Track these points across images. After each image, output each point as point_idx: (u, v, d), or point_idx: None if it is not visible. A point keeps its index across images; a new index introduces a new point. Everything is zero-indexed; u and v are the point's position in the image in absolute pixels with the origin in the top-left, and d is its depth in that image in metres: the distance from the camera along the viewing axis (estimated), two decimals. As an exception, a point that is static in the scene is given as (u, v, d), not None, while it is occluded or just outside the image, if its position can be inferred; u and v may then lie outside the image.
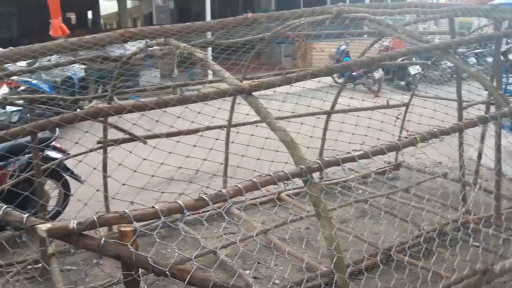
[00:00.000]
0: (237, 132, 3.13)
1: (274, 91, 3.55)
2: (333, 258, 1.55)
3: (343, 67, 1.81)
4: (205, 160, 2.38)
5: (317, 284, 3.18)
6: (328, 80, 9.78)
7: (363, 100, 4.84)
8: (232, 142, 3.17)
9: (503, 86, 6.53)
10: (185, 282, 1.23)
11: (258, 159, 2.36)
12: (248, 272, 3.46)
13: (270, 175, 1.42)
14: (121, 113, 2.08)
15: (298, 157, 1.55)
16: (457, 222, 4.13)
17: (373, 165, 5.80)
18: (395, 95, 7.46)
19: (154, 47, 2.86)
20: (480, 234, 3.98)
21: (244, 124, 4.06)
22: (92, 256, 3.51)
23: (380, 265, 3.33)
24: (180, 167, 2.54)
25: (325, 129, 4.96)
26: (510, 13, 2.90)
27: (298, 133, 2.64)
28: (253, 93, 1.79)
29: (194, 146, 2.42)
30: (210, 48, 8.96)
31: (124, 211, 1.21)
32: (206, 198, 1.28)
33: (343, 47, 11.31)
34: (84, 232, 1.16)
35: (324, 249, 3.78)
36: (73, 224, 1.12)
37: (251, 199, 4.66)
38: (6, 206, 1.19)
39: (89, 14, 26.75)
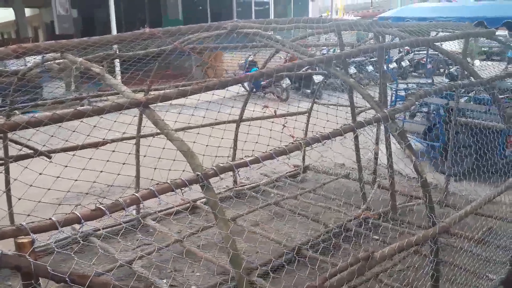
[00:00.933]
0: (149, 146, 3.12)
1: (186, 99, 3.63)
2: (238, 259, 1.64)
3: (234, 80, 1.92)
4: (118, 174, 2.36)
5: (231, 286, 3.29)
6: (239, 89, 10.01)
7: (277, 108, 5.06)
8: (145, 156, 3.14)
9: (394, 92, 7.24)
10: (85, 287, 1.24)
11: (169, 169, 2.40)
12: (164, 281, 3.45)
13: (168, 183, 1.48)
14: (15, 130, 1.96)
15: (195, 165, 1.63)
16: (359, 218, 4.47)
17: (284, 169, 6.09)
18: (302, 103, 7.89)
19: (51, 62, 2.77)
20: (379, 228, 4.40)
21: (150, 135, 4.04)
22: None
23: (285, 264, 3.52)
24: (93, 182, 2.48)
25: (236, 137, 5.10)
26: (387, 27, 3.26)
27: (204, 145, 2.74)
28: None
29: (107, 160, 2.38)
30: (117, 61, 8.75)
31: (20, 224, 1.19)
32: (103, 208, 1.30)
33: (250, 58, 11.66)
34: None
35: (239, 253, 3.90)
36: None
37: (166, 209, 4.66)
38: None
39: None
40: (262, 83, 11.79)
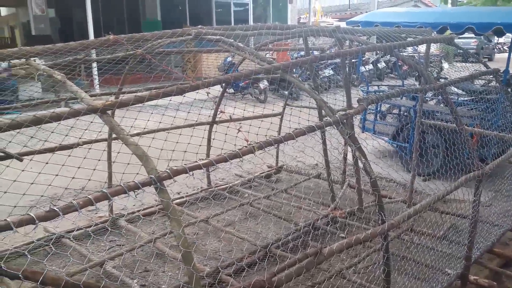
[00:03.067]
0: (117, 153, 3.19)
1: (170, 100, 3.75)
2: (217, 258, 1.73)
3: (191, 87, 2.01)
4: (89, 180, 2.44)
5: (203, 284, 3.37)
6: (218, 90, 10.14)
7: (232, 114, 5.16)
8: (114, 162, 3.21)
9: (364, 94, 7.43)
10: (38, 283, 1.33)
11: (137, 173, 2.48)
12: (135, 281, 3.52)
13: (121, 186, 1.56)
14: None
15: (149, 168, 1.72)
16: (327, 217, 4.61)
17: (259, 170, 6.22)
18: (278, 104, 8.01)
19: (17, 68, 2.82)
20: (346, 226, 4.55)
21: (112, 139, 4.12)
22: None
23: (258, 261, 3.64)
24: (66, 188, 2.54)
25: (209, 139, 5.19)
26: (350, 33, 3.40)
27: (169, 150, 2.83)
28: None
29: (78, 167, 2.44)
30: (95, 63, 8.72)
31: None
32: (57, 209, 1.39)
33: (229, 59, 11.78)
34: None
35: (211, 252, 4.01)
36: None
37: (139, 210, 4.73)
38: None
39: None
40: (241, 84, 11.95)
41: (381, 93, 7.21)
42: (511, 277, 3.73)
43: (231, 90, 12.38)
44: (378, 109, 7.30)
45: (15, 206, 1.92)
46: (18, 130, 2.08)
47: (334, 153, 5.40)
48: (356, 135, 2.31)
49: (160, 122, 3.28)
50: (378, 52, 17.45)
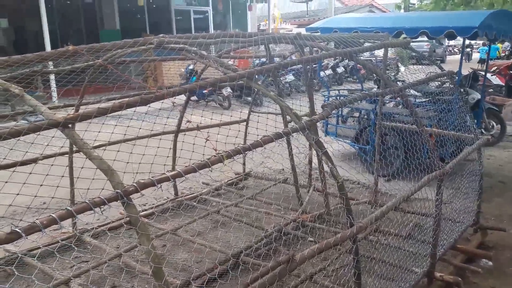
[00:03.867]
0: (80, 168, 3.08)
1: (135, 111, 3.67)
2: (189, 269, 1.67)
3: (156, 97, 1.96)
4: (52, 197, 2.32)
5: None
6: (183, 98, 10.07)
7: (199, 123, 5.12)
8: (78, 178, 3.10)
9: (326, 99, 7.55)
10: None
11: (102, 189, 2.39)
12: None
13: (86, 202, 1.50)
14: None
15: (115, 182, 1.66)
16: (295, 221, 4.62)
17: (225, 178, 6.17)
18: (243, 111, 8.01)
19: None
20: (315, 230, 4.58)
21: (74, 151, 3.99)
22: None
23: (230, 271, 3.59)
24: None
25: (175, 148, 5.10)
26: (310, 40, 3.45)
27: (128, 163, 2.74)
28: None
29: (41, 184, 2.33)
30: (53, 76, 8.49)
31: None
32: (19, 231, 1.31)
33: (191, 66, 11.70)
34: None
35: (180, 264, 3.92)
36: None
37: (104, 225, 4.58)
38: None
39: None
40: (204, 91, 11.88)
41: (342, 97, 7.36)
42: (475, 272, 3.85)
43: (195, 98, 12.29)
44: (340, 113, 7.43)
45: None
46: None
47: (299, 157, 5.43)
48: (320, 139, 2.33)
49: (124, 134, 3.18)
50: (337, 57, 17.93)
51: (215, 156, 1.80)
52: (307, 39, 3.38)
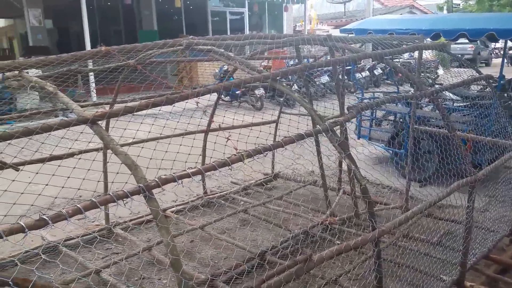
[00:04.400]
0: (107, 162, 3.23)
1: (160, 110, 3.82)
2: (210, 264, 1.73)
3: (181, 97, 2.03)
4: (78, 189, 2.46)
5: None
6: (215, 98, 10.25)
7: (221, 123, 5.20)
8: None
9: (358, 101, 7.47)
10: None
11: (126, 182, 2.49)
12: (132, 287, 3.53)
13: (110, 194, 1.58)
14: None
15: (138, 177, 1.74)
16: (323, 224, 4.61)
17: (255, 177, 6.23)
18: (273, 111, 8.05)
19: (10, 80, 2.86)
20: (343, 233, 4.55)
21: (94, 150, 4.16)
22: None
23: (250, 269, 3.63)
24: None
25: (204, 147, 5.21)
26: (342, 41, 3.44)
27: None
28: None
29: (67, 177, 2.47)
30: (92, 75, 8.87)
31: None
32: (46, 218, 1.40)
33: (225, 67, 11.83)
34: None
35: (206, 259, 4.01)
36: None
37: (135, 219, 4.75)
38: None
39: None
40: (237, 92, 12.00)
41: (374, 100, 7.25)
42: (509, 284, 3.72)
43: (227, 98, 12.42)
44: (373, 115, 7.33)
45: (5, 216, 1.93)
46: (9, 142, 2.11)
47: (329, 160, 5.41)
48: (349, 142, 2.33)
49: (149, 132, 3.30)
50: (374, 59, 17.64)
51: (235, 155, 1.85)
52: (338, 40, 3.38)
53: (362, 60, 16.50)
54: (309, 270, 1.89)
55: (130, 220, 4.71)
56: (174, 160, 3.58)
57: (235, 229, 4.70)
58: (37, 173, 2.33)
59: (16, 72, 2.60)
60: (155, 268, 3.87)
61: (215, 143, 4.87)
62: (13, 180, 2.25)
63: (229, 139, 3.02)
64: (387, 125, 7.78)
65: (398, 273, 3.58)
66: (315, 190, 5.90)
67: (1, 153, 3.99)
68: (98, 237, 4.15)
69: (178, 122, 4.87)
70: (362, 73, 15.93)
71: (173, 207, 5.11)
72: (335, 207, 5.02)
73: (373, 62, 16.98)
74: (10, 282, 1.32)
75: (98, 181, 4.39)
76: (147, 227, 4.65)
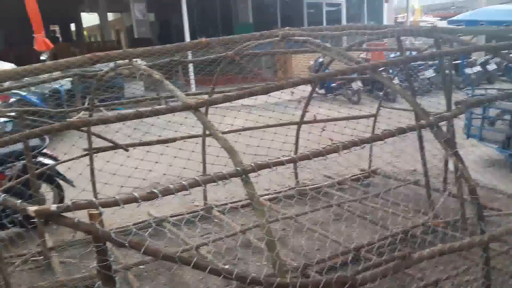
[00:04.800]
0: (208, 146, 3.47)
1: (256, 99, 4.00)
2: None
3: (276, 87, 2.09)
4: (184, 168, 2.65)
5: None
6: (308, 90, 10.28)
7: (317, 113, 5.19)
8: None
9: (468, 97, 6.95)
10: (141, 252, 1.51)
11: (225, 165, 2.63)
12: (226, 266, 3.72)
13: (211, 175, 1.70)
14: (87, 126, 2.25)
15: (236, 161, 1.86)
16: (425, 225, 4.40)
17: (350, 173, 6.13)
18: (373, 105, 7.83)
19: (122, 68, 3.18)
20: (447, 237, 4.30)
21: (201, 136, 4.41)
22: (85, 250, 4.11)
23: (346, 263, 3.60)
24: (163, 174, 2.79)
25: (297, 138, 5.26)
26: (449, 33, 3.23)
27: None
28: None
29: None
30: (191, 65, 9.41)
31: (91, 199, 1.50)
32: (156, 191, 1.55)
33: (320, 59, 11.73)
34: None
35: (298, 248, 4.07)
36: (53, 207, 1.42)
37: (231, 202, 4.99)
38: (4, 194, 1.50)
39: (72, 26, 26.99)
40: (332, 85, 11.85)
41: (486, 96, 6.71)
42: None
43: (322, 91, 12.30)
44: (486, 114, 6.77)
45: (122, 187, 2.16)
46: (124, 123, 2.34)
47: (434, 159, 5.15)
48: (457, 142, 2.21)
49: (246, 120, 3.42)
50: (487, 53, 16.18)
51: (330, 146, 1.86)
52: (445, 32, 3.18)
53: (473, 54, 15.29)
54: (408, 267, 1.85)
55: (227, 203, 5.00)
56: (269, 148, 3.69)
57: (328, 223, 4.67)
58: (148, 151, 2.55)
59: (127, 60, 2.87)
60: (250, 251, 4.04)
61: (309, 133, 4.90)
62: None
63: (324, 130, 3.02)
64: (502, 124, 7.15)
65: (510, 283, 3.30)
66: (417, 190, 5.64)
67: (117, 132, 4.44)
68: (199, 215, 4.43)
69: (273, 111, 5.00)
70: (473, 68, 14.73)
71: (266, 195, 5.25)
72: (438, 209, 4.76)
73: (486, 56, 15.63)
74: (126, 244, 1.48)
75: (201, 162, 4.77)
76: (242, 212, 4.86)
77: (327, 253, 3.87)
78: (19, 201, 1.50)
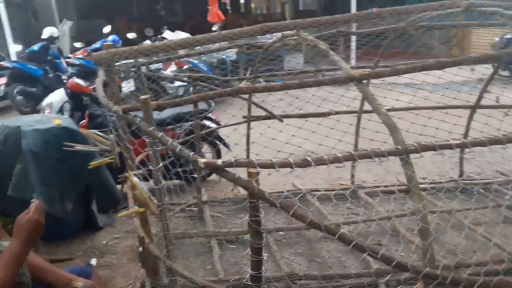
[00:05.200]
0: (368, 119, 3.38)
1: (423, 81, 3.77)
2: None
3: (453, 62, 1.90)
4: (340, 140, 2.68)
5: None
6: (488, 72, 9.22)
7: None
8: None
9: None
10: (290, 214, 1.63)
11: (384, 142, 2.59)
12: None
13: (367, 150, 1.67)
14: (255, 93, 2.42)
15: (397, 139, 1.78)
16: None
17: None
18: None
19: (288, 38, 3.29)
20: None
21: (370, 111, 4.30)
22: (232, 207, 4.74)
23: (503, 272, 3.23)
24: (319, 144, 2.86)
25: (469, 122, 4.79)
26: None
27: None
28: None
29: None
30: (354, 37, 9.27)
31: (251, 159, 1.65)
32: (309, 159, 1.61)
33: (508, 35, 10.26)
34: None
35: (450, 246, 3.80)
36: (219, 161, 1.61)
37: (379, 186, 4.88)
38: (180, 146, 1.75)
39: (241, -1, 28.65)
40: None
41: None
42: None
43: (506, 73, 10.81)
44: None
45: (278, 151, 2.29)
46: (285, 92, 2.45)
47: None
48: None
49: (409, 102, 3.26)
50: None
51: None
52: None
53: None
54: None
55: (374, 187, 4.91)
56: (437, 129, 3.46)
57: (493, 224, 4.22)
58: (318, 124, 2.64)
59: (294, 31, 2.97)
60: (395, 239, 3.93)
61: (488, 116, 4.40)
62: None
63: (507, 115, 2.70)
64: None
65: None
66: None
67: (273, 106, 4.72)
68: (344, 195, 4.45)
69: (442, 94, 4.63)
70: None
71: (423, 183, 4.97)
72: None
73: None
74: (277, 204, 1.59)
75: (357, 137, 4.77)
76: (391, 197, 4.70)
77: (486, 258, 3.53)
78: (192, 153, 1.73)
